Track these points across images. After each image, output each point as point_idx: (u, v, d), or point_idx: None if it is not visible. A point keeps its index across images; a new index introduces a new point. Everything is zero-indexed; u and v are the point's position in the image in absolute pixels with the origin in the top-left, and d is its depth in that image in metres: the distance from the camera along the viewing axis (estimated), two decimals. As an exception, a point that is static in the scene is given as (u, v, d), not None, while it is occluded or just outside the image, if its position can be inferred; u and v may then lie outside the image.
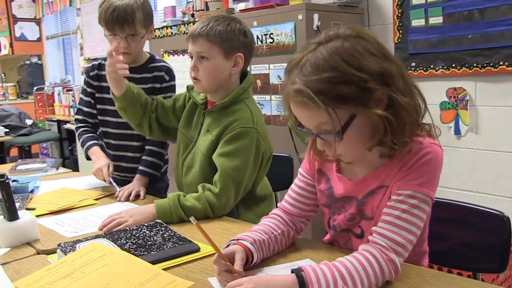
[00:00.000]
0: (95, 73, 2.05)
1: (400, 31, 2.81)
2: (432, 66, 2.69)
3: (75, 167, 5.42)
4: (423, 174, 1.02)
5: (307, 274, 0.94)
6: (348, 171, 1.17)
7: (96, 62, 2.08)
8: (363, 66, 0.95)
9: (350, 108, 0.97)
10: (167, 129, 1.82)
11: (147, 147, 1.97)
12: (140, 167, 1.93)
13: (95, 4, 5.17)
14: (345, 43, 0.98)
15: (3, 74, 7.43)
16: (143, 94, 1.78)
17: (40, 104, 6.16)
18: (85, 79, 2.08)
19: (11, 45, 6.93)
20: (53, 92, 6.09)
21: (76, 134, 2.11)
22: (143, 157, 1.95)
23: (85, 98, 2.07)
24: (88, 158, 2.00)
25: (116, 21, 1.82)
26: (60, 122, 5.68)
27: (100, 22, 1.89)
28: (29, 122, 5.35)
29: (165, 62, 2.05)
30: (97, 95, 2.04)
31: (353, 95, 0.95)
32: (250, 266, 1.11)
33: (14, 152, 5.51)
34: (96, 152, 1.95)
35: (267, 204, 1.73)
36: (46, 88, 6.22)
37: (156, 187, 2.03)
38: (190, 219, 1.01)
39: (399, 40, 2.82)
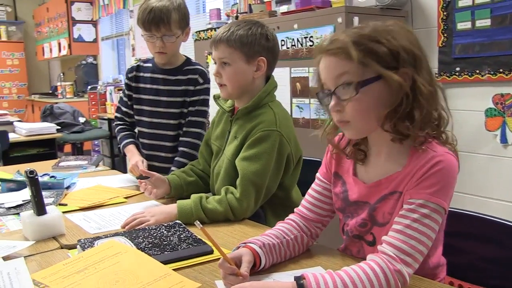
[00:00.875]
0: (133, 74, 2.12)
1: (445, 35, 2.72)
2: (477, 71, 2.58)
3: (123, 165, 5.60)
4: (435, 183, 1.00)
5: (308, 282, 0.93)
6: (363, 174, 1.16)
7: (135, 64, 2.16)
8: (400, 41, 1.01)
9: (378, 67, 1.00)
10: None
11: (180, 149, 2.01)
12: (172, 168, 1.97)
13: (146, 6, 5.33)
14: (389, 26, 1.05)
15: (62, 74, 7.80)
16: (187, 175, 1.78)
17: (93, 102, 6.40)
18: (125, 80, 2.15)
19: (69, 46, 7.25)
20: (105, 91, 6.31)
21: (115, 131, 2.21)
22: (176, 158, 1.99)
23: (124, 98, 2.16)
24: (124, 155, 2.09)
25: (152, 21, 1.89)
26: (111, 121, 5.87)
27: (138, 23, 1.97)
28: (82, 120, 5.56)
29: (200, 65, 2.09)
30: (134, 95, 2.11)
31: (384, 56, 1.00)
32: (258, 270, 1.11)
33: (67, 148, 5.75)
34: (131, 150, 2.04)
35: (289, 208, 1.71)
36: (99, 87, 6.46)
37: None
38: (195, 223, 1.03)
39: (443, 44, 2.73)
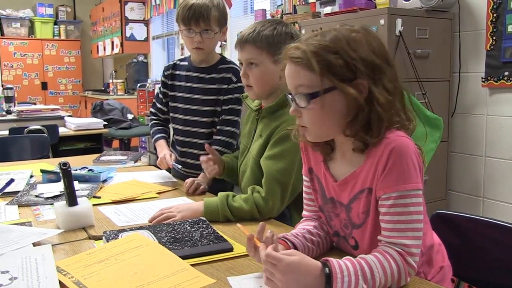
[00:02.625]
0: (170, 72, 2.17)
1: (494, 38, 2.61)
2: (527, 76, 2.47)
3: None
4: (400, 171, 1.02)
5: (332, 265, 0.94)
6: (333, 169, 1.18)
7: (172, 62, 2.21)
8: (358, 51, 1.03)
9: (333, 79, 1.02)
10: None
11: (213, 146, 2.02)
12: None
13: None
14: (353, 33, 1.06)
15: (114, 71, 8.07)
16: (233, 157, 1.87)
17: (141, 100, 6.58)
18: (161, 78, 2.21)
19: (121, 44, 7.48)
20: (154, 89, 6.47)
21: (149, 125, 2.28)
22: (213, 146, 2.01)
23: (160, 95, 2.22)
24: (155, 148, 2.16)
25: (192, 16, 1.94)
26: (157, 118, 6.01)
27: (177, 20, 2.02)
28: (130, 116, 5.74)
29: (234, 63, 2.10)
30: (170, 93, 2.16)
31: (339, 68, 1.02)
32: None
33: (115, 144, 5.95)
34: (161, 144, 2.11)
35: None
36: (148, 85, 6.63)
37: (221, 187, 2.09)
38: (237, 225, 1.13)
39: (491, 47, 2.62)
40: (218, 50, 2.96)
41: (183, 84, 2.11)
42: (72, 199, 1.42)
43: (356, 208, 1.12)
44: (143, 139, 6.51)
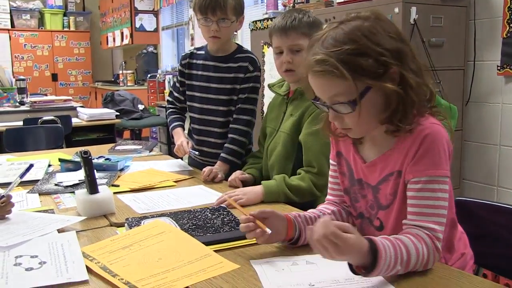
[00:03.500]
0: (187, 61, 2.17)
1: (511, 25, 2.59)
2: (544, 64, 2.45)
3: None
4: (431, 156, 1.04)
5: (379, 248, 0.95)
6: (363, 151, 1.19)
7: (189, 51, 2.21)
8: (381, 42, 1.01)
9: (366, 80, 1.01)
10: None
11: (230, 135, 2.04)
12: (222, 154, 2.01)
13: (205, -3, 5.41)
14: (365, 22, 1.04)
15: (124, 62, 8.09)
16: (259, 165, 1.90)
17: (152, 90, 6.60)
18: (178, 67, 2.22)
19: (131, 35, 7.48)
20: (164, 80, 6.48)
21: (166, 114, 2.29)
22: (226, 145, 2.03)
23: (177, 84, 2.23)
24: (172, 136, 2.17)
25: (209, 5, 1.95)
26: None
27: (195, 8, 2.03)
28: (141, 107, 5.74)
29: (251, 52, 2.11)
30: (187, 82, 2.16)
31: (371, 67, 1.00)
32: (294, 241, 1.16)
33: (126, 134, 5.96)
34: (178, 132, 2.12)
35: None
36: (158, 75, 6.64)
37: None
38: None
39: (508, 34, 2.60)
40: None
41: (199, 73, 2.11)
42: (93, 187, 1.44)
43: (384, 189, 1.13)
44: (154, 129, 6.53)
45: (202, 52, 2.16)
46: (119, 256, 1.10)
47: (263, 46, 3.78)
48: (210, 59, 2.11)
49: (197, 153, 2.04)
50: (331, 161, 1.30)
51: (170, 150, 6.05)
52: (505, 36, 2.63)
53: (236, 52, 2.09)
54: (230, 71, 2.04)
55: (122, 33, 7.78)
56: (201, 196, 1.68)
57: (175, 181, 1.87)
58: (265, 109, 2.09)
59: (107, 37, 8.59)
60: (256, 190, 1.60)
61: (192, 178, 1.93)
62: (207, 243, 1.17)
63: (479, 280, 1.01)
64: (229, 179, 1.81)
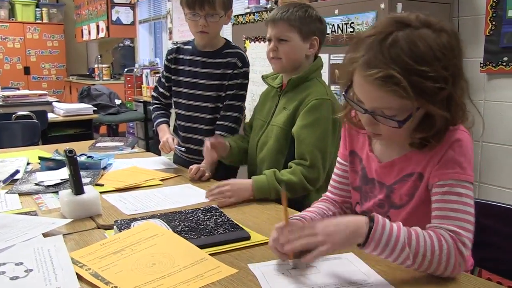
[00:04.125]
0: (173, 56, 2.11)
1: (493, 23, 2.60)
2: (527, 62, 2.47)
3: (158, 147, 5.64)
4: (459, 162, 1.01)
5: (376, 219, 0.95)
6: (378, 150, 1.16)
7: (175, 46, 2.15)
8: (449, 66, 0.95)
9: (422, 101, 0.95)
10: None
11: (217, 132, 1.98)
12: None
13: (184, -10, 5.32)
14: (439, 38, 0.95)
15: (99, 56, 7.91)
16: (242, 142, 1.89)
17: (129, 85, 6.47)
18: (164, 62, 2.16)
19: (107, 28, 7.32)
20: (141, 74, 6.36)
21: (151, 109, 2.23)
22: (216, 132, 1.99)
23: (162, 79, 2.17)
24: (157, 133, 2.11)
25: (197, 0, 1.89)
26: (146, 103, 5.92)
27: (181, 3, 1.97)
28: (118, 102, 5.63)
29: (240, 48, 2.07)
30: (173, 77, 2.11)
31: (433, 92, 0.94)
32: None
33: (103, 129, 5.84)
34: (163, 129, 2.07)
35: None
36: (135, 70, 6.51)
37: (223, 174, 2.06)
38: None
39: (490, 32, 2.61)
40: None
41: (186, 68, 2.06)
42: (78, 188, 1.37)
43: (399, 189, 1.11)
44: (131, 124, 6.42)
45: (189, 47, 2.10)
46: (111, 261, 1.05)
47: (245, 41, 3.73)
48: (198, 54, 2.06)
49: (183, 149, 1.99)
50: (339, 159, 1.28)
51: (148, 146, 5.95)
52: (487, 34, 2.64)
53: (225, 48, 2.04)
54: (218, 67, 1.99)
55: (98, 26, 7.61)
56: (189, 195, 1.63)
57: (161, 180, 1.81)
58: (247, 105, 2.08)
59: (82, 30, 8.40)
60: (246, 187, 1.56)
61: (179, 177, 1.88)
62: (201, 246, 1.13)
63: (481, 282, 1.00)
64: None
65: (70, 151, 1.35)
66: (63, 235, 1.22)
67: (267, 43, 1.73)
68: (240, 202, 1.53)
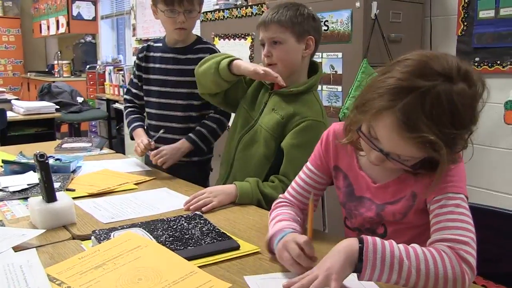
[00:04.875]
0: (144, 54, 2.06)
1: (465, 23, 2.62)
2: (498, 62, 2.49)
3: (121, 147, 5.49)
4: (452, 180, 1.01)
5: (366, 241, 0.90)
6: (368, 168, 1.14)
7: (146, 44, 2.09)
8: (475, 120, 0.95)
9: (441, 151, 0.92)
10: (230, 99, 1.78)
11: (203, 121, 1.96)
12: (189, 134, 1.94)
13: (149, -15, 5.19)
14: (474, 95, 0.94)
15: (59, 52, 7.63)
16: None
17: (91, 82, 6.27)
18: (135, 61, 2.07)
19: (68, 23, 7.07)
20: (104, 71, 6.17)
21: (124, 113, 2.13)
22: (196, 127, 1.96)
23: (134, 80, 2.10)
24: (132, 138, 2.02)
25: None
26: (109, 101, 5.75)
27: (156, 0, 1.90)
28: (80, 99, 5.44)
29: (211, 43, 2.05)
30: (144, 76, 2.04)
31: (458, 145, 0.97)
32: None
33: (64, 128, 5.63)
34: (138, 134, 1.98)
35: None
36: (98, 67, 6.31)
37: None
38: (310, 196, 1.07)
39: (462, 32, 2.63)
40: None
41: (157, 65, 2.00)
42: (51, 195, 1.27)
43: (392, 208, 1.10)
44: (94, 123, 6.21)
45: (160, 44, 2.04)
46: (92, 278, 0.96)
47: (213, 38, 3.65)
48: (169, 51, 1.99)
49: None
50: (310, 166, 1.25)
51: (112, 145, 5.77)
52: (460, 34, 2.66)
53: (196, 43, 2.00)
54: (190, 63, 1.93)
55: (57, 21, 7.34)
56: (167, 200, 1.55)
57: (135, 184, 1.72)
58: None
59: (40, 25, 8.08)
60: (229, 191, 1.51)
61: (154, 180, 1.79)
62: (189, 258, 1.05)
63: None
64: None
65: (42, 155, 1.25)
66: (37, 247, 1.12)
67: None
68: (221, 207, 1.47)
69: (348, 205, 1.18)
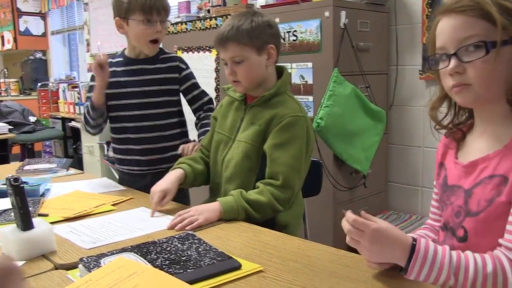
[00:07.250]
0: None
1: (429, 31, 2.67)
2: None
3: (79, 166, 5.26)
4: None
5: (418, 243, 0.90)
6: (462, 155, 1.10)
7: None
8: None
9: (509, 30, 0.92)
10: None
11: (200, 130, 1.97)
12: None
13: (104, -2, 5.05)
14: None
15: (5, 70, 7.28)
16: (198, 164, 1.70)
17: (44, 101, 6.01)
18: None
19: (15, 39, 6.77)
20: (57, 89, 5.93)
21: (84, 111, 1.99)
22: (201, 129, 1.97)
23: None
24: (93, 107, 1.86)
25: (154, 4, 1.80)
26: (64, 120, 5.52)
27: (130, 9, 1.81)
28: (32, 119, 5.20)
29: (173, 53, 2.03)
30: (109, 91, 1.93)
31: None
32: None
33: (16, 149, 5.35)
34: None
35: (299, 204, 1.67)
36: (50, 84, 6.06)
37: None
38: (343, 211, 0.98)
39: (428, 40, 2.68)
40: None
41: (122, 79, 1.92)
42: (27, 222, 1.15)
43: (478, 194, 0.99)
44: (48, 143, 5.95)
45: (120, 58, 1.97)
46: (89, 312, 0.86)
47: (176, 51, 3.56)
48: (133, 63, 1.93)
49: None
50: (435, 186, 1.20)
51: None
52: (425, 42, 2.71)
53: (160, 53, 1.96)
54: (160, 72, 1.92)
55: (2, 37, 7.01)
56: (150, 220, 1.46)
57: (113, 204, 1.61)
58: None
59: (-16, 41, 7.70)
60: (213, 208, 1.43)
61: (131, 199, 1.69)
62: (191, 282, 0.97)
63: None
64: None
65: (16, 179, 1.13)
66: (16, 281, 1.00)
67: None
68: (210, 225, 1.39)
69: (442, 196, 1.12)
